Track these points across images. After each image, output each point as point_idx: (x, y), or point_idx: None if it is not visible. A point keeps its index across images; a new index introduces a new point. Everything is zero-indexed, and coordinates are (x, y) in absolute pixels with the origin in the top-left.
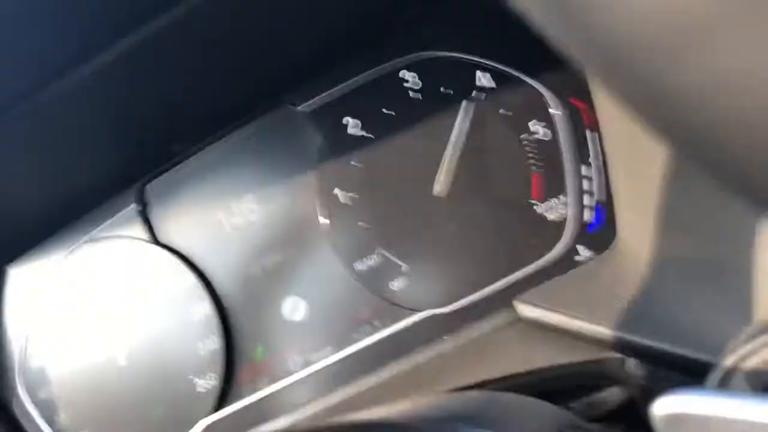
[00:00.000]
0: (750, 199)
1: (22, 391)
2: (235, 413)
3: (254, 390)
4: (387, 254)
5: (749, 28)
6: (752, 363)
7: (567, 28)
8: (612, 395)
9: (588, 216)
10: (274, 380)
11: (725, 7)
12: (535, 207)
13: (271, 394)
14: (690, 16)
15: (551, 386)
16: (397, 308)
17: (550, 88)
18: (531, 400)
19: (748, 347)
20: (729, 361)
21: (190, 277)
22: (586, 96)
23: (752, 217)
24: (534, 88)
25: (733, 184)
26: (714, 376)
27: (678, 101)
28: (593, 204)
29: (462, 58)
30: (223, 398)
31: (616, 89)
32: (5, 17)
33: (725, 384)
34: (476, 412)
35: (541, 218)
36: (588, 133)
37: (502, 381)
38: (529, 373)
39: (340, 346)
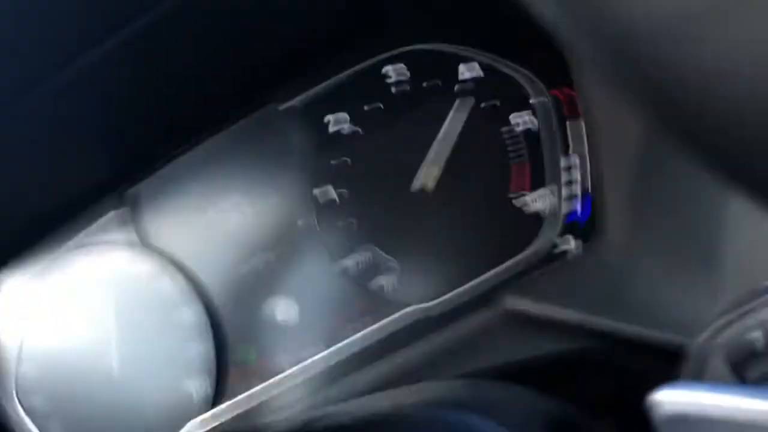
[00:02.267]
0: (749, 190)
1: (14, 399)
2: (227, 414)
3: (246, 389)
4: (375, 251)
5: (757, 12)
6: (727, 336)
7: (571, 16)
8: (601, 384)
9: (572, 206)
10: (265, 379)
11: None
12: (518, 199)
13: (263, 394)
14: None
15: (540, 377)
16: (385, 304)
17: (535, 77)
18: (517, 387)
19: (722, 320)
20: (704, 336)
21: (179, 280)
22: (572, 85)
23: (737, 203)
24: (515, 78)
25: (733, 175)
26: (690, 357)
27: (684, 89)
28: (577, 194)
29: (443, 50)
30: (215, 399)
31: (618, 78)
32: None
33: (703, 360)
34: (464, 399)
35: (525, 210)
36: (570, 123)
37: (491, 373)
38: (517, 365)
39: (330, 344)
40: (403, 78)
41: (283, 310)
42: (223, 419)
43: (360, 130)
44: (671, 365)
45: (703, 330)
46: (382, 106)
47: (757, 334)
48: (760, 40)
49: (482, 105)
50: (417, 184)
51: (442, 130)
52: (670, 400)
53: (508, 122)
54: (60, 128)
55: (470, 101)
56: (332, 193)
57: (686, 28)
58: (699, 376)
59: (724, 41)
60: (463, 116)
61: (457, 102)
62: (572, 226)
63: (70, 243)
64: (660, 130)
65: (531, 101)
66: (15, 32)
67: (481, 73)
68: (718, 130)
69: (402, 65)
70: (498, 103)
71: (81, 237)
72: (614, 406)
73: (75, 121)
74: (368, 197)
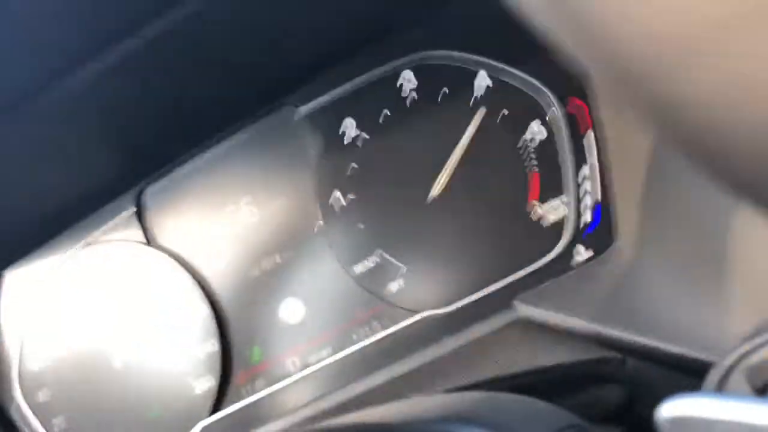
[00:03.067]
0: (757, 203)
1: (19, 396)
2: (232, 415)
3: (252, 392)
4: (385, 256)
5: (762, 32)
6: (752, 361)
7: (577, 36)
8: (612, 395)
9: (586, 217)
10: (271, 382)
11: (736, 13)
12: (533, 208)
13: (269, 396)
14: (700, 22)
15: (551, 386)
16: (395, 310)
17: (547, 88)
18: (530, 399)
19: (748, 346)
20: (729, 359)
21: (187, 280)
22: (583, 96)
23: (751, 216)
24: (532, 89)
25: (742, 189)
26: (713, 375)
27: (689, 107)
28: (592, 204)
29: (460, 58)
30: (220, 400)
31: (626, 95)
32: (4, 19)
33: (725, 382)
34: (474, 413)
35: (540, 219)
36: (586, 134)
37: (502, 381)
38: (528, 374)
39: (338, 348)
40: (416, 86)
41: (290, 312)
42: (226, 420)
43: (373, 135)
44: (682, 378)
45: (725, 350)
46: (396, 112)
47: None
48: (763, 58)
49: (495, 115)
50: (436, 190)
51: (455, 139)
52: (675, 408)
53: (520, 133)
54: (73, 128)
55: (483, 111)
56: (343, 199)
57: (688, 48)
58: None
59: (727, 60)
60: (476, 126)
61: (470, 112)
62: (584, 236)
63: (81, 242)
64: (668, 144)
65: (548, 111)
66: (29, 33)
67: (493, 84)
68: (725, 146)
69: (418, 72)
70: (511, 113)
71: (92, 236)
72: (625, 418)
73: (88, 121)
74: (379, 203)
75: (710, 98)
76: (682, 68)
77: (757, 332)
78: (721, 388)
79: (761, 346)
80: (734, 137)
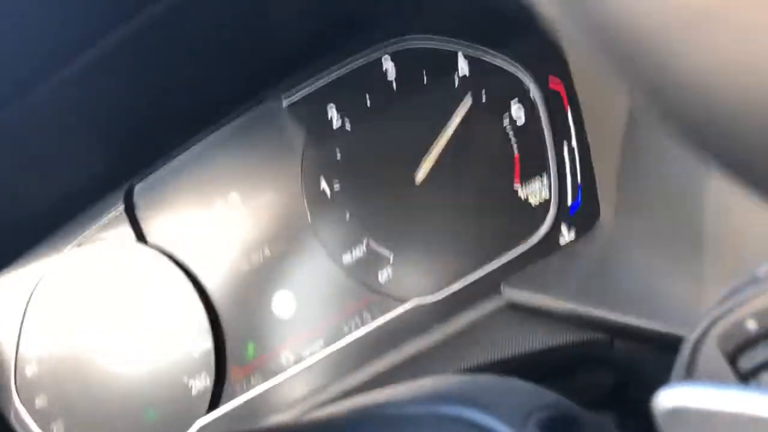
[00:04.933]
0: (751, 184)
1: (18, 403)
2: (229, 413)
3: (247, 388)
4: (373, 245)
5: (756, 12)
6: (722, 328)
7: (572, 16)
8: (603, 379)
9: (570, 197)
10: (266, 377)
11: None
12: (517, 190)
13: (265, 391)
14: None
15: (542, 371)
16: (385, 299)
17: (528, 68)
18: (513, 380)
19: (716, 312)
20: (698, 330)
21: (180, 277)
22: (565, 75)
23: (731, 192)
24: (513, 70)
25: (737, 169)
26: (686, 348)
27: (692, 84)
28: (575, 185)
29: (441, 42)
30: (216, 397)
31: (627, 74)
32: None
33: (697, 353)
34: (461, 393)
35: (524, 201)
36: (568, 113)
37: (493, 366)
38: (519, 357)
39: (330, 340)
40: (397, 72)
41: (282, 306)
42: (223, 417)
43: (358, 123)
44: (668, 355)
45: (698, 319)
46: (380, 99)
47: (750, 323)
48: (760, 40)
49: (477, 98)
50: (421, 176)
51: (439, 123)
52: (672, 398)
53: (501, 114)
54: (60, 126)
55: (468, 96)
56: (330, 188)
57: (686, 28)
58: (693, 366)
59: (725, 41)
60: (460, 110)
61: (453, 95)
62: (569, 216)
63: (72, 242)
64: (660, 123)
65: (530, 92)
66: (14, 31)
67: (479, 65)
68: (720, 128)
69: (400, 59)
70: (491, 95)
71: (84, 236)
72: (613, 399)
73: (75, 119)
74: (365, 191)
75: (713, 75)
76: (679, 49)
77: (723, 299)
78: (693, 360)
79: (729, 312)
80: (731, 118)
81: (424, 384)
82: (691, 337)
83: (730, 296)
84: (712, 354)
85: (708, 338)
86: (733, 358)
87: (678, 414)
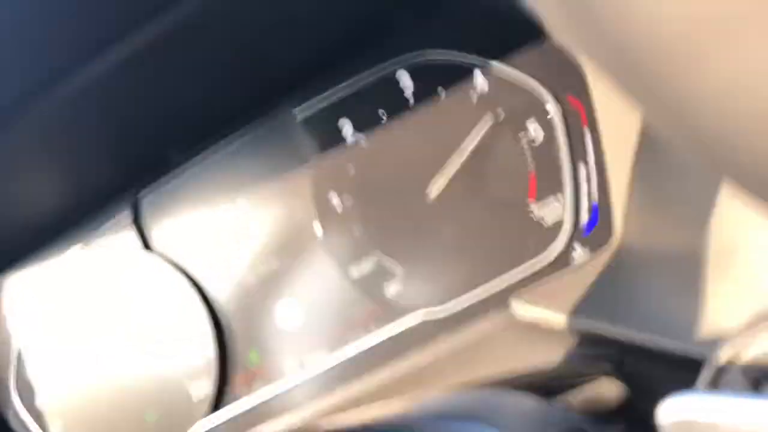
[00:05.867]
0: (763, 201)
1: (17, 402)
2: (230, 419)
3: (249, 395)
4: (382, 258)
5: (763, 31)
6: (748, 355)
7: (583, 31)
8: (612, 392)
9: (584, 215)
10: (269, 385)
11: (746, 6)
12: (531, 207)
13: (267, 399)
14: (709, 17)
15: (550, 385)
16: (392, 311)
17: (546, 86)
18: (522, 395)
19: (743, 339)
20: (722, 354)
21: (184, 285)
22: (583, 94)
23: (749, 211)
24: (531, 87)
25: (749, 187)
26: (709, 370)
27: (698, 105)
28: (590, 203)
29: (458, 57)
30: (218, 404)
31: (634, 93)
32: None
33: (721, 377)
34: (467, 409)
35: (537, 218)
36: (585, 132)
37: (500, 381)
38: (526, 373)
39: (335, 350)
40: (413, 87)
41: (287, 315)
42: (224, 423)
43: (371, 137)
44: (681, 374)
45: (718, 341)
46: (394, 113)
47: None
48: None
49: (494, 115)
50: (433, 191)
51: (454, 140)
52: (676, 408)
53: (518, 132)
54: (69, 132)
55: (484, 111)
56: (341, 201)
57: (694, 46)
58: (715, 389)
59: (732, 59)
60: (478, 127)
61: (469, 112)
62: (583, 236)
63: (79, 246)
64: (670, 141)
65: (547, 109)
66: (24, 36)
67: (496, 81)
68: (730, 144)
69: (416, 72)
70: (509, 113)
71: (89, 241)
72: (624, 416)
73: (85, 125)
74: (377, 205)
75: (716, 96)
76: (687, 67)
77: (750, 326)
78: (716, 383)
79: (756, 339)
80: (740, 135)
81: (433, 399)
82: (712, 362)
83: (755, 324)
84: (736, 380)
85: (733, 365)
86: (757, 386)
87: (682, 427)
